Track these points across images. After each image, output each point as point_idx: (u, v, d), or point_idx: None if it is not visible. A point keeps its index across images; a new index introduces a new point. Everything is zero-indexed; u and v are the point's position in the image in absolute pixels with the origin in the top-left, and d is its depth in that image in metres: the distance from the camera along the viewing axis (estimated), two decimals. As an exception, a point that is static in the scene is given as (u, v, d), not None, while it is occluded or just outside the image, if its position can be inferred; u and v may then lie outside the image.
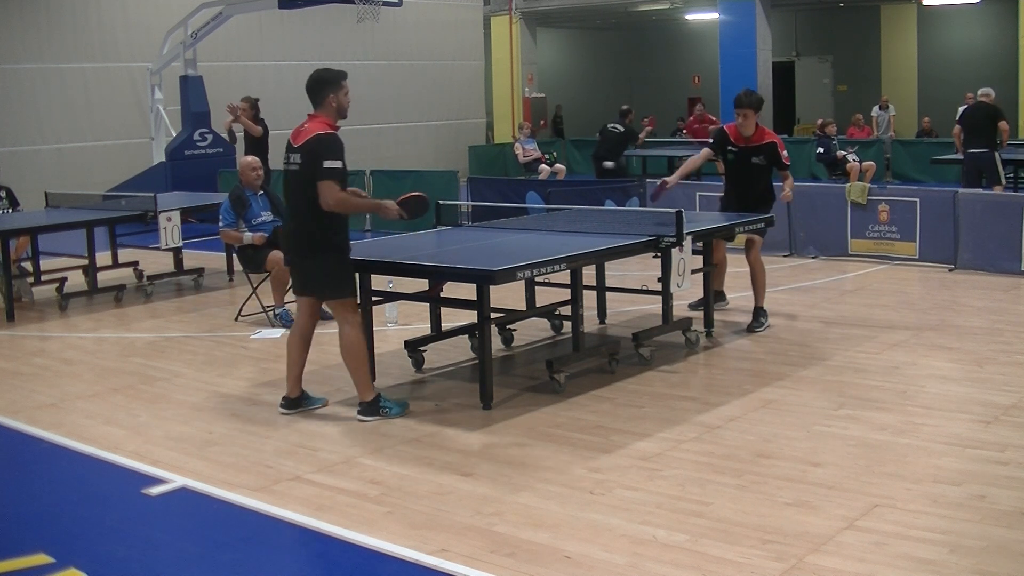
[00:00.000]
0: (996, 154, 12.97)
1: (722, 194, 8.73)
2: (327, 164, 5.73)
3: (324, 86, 5.92)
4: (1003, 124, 13.07)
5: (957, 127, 13.72)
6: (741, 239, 8.30)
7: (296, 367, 6.30)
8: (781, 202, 8.76)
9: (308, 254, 5.99)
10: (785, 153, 8.31)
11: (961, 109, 20.28)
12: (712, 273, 7.96)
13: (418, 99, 23.73)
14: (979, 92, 13.57)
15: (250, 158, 9.37)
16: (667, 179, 8.68)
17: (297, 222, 6.01)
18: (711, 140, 8.61)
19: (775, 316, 8.45)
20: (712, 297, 8.03)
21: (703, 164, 8.87)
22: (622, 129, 16.50)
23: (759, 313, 8.16)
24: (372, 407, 6.09)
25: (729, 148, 8.29)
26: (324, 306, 8.93)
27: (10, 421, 6.38)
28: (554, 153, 20.65)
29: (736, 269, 9.10)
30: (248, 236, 8.78)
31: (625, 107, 17.51)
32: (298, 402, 6.34)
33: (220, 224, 8.95)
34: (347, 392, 6.73)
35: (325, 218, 5.83)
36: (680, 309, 7.86)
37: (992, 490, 4.74)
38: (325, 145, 5.79)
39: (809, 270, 10.69)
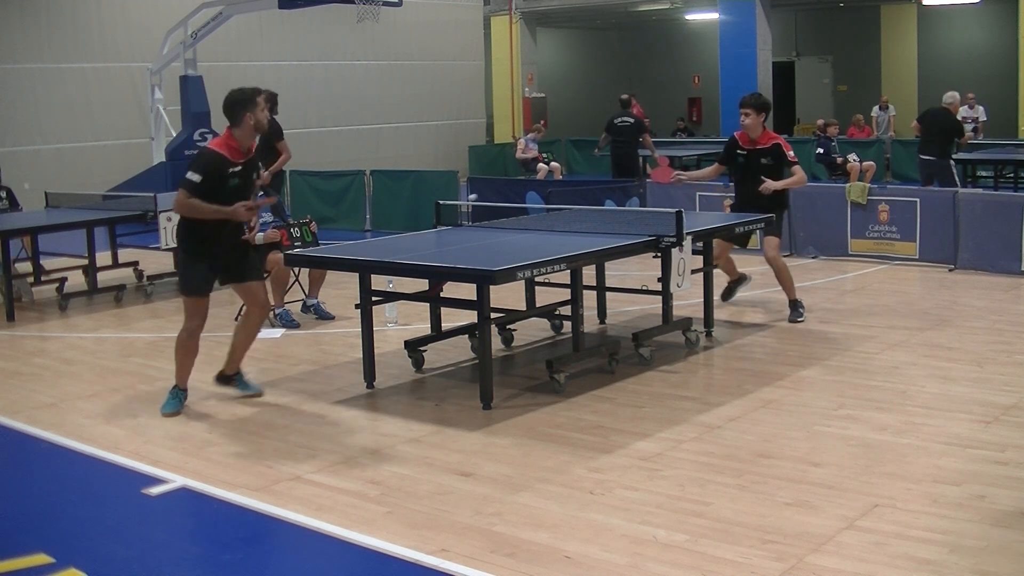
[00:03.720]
0: (950, 161, 12.97)
1: (732, 202, 8.80)
2: (188, 175, 6.23)
3: (235, 108, 6.29)
4: (963, 140, 13.26)
5: (915, 124, 13.73)
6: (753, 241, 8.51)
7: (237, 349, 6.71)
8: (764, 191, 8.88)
9: (179, 253, 6.61)
10: (792, 153, 8.43)
11: (963, 107, 20.34)
12: (712, 273, 7.95)
13: (418, 99, 23.71)
14: (944, 97, 13.33)
15: None
16: (683, 174, 9.01)
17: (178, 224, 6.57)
18: (723, 153, 8.77)
19: (775, 317, 8.45)
20: (712, 299, 8.03)
21: (714, 176, 9.09)
22: (632, 120, 15.98)
23: (795, 305, 8.37)
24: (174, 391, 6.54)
25: (738, 152, 8.50)
26: (324, 306, 8.99)
27: (10, 421, 6.37)
28: (551, 153, 20.65)
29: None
30: (259, 236, 8.74)
31: (625, 96, 16.81)
32: (230, 380, 6.71)
33: None
34: (349, 392, 6.74)
35: (185, 221, 6.38)
36: (680, 309, 7.85)
37: (992, 490, 4.74)
38: (194, 158, 6.43)
39: (809, 270, 10.68)
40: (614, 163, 16.10)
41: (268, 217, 9.03)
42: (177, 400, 6.48)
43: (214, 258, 6.38)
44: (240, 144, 6.30)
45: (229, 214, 6.27)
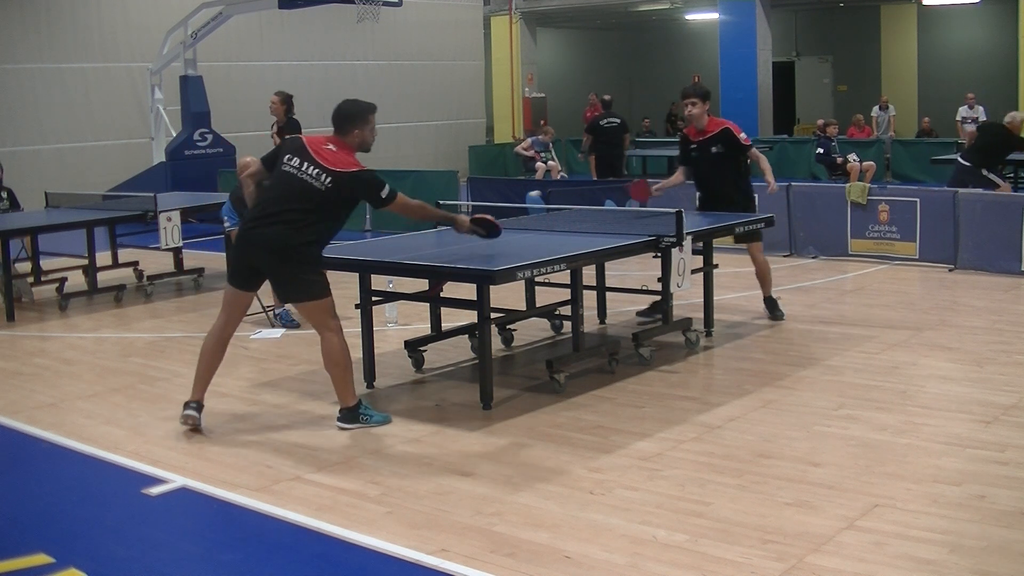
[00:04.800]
0: (982, 170, 12.31)
1: (697, 204, 8.56)
2: (384, 194, 5.91)
3: (349, 122, 5.96)
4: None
5: (973, 128, 13.26)
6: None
7: (211, 373, 6.09)
8: (769, 195, 8.81)
9: (282, 261, 5.85)
10: (743, 135, 8.20)
11: (962, 107, 20.33)
12: (712, 273, 7.95)
13: (418, 99, 23.72)
14: (1007, 117, 12.76)
15: (249, 158, 9.33)
16: (658, 186, 8.72)
17: (281, 227, 5.78)
18: (680, 154, 8.56)
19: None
20: (712, 299, 8.03)
21: (682, 181, 8.69)
22: (619, 122, 16.41)
23: (772, 304, 8.31)
24: (352, 413, 5.96)
25: (690, 148, 8.29)
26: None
27: (10, 421, 6.37)
28: (549, 152, 20.64)
29: (735, 269, 9.10)
30: None
31: (608, 97, 17.42)
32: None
33: (227, 225, 8.92)
34: (347, 392, 6.73)
35: (317, 232, 5.85)
36: (680, 309, 7.84)
37: (992, 490, 4.74)
38: (369, 184, 5.90)
39: (809, 270, 10.68)
40: (604, 163, 16.39)
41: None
42: (378, 413, 6.04)
43: None
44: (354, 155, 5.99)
45: (458, 222, 6.34)
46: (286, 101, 11.10)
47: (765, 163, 8.44)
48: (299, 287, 5.93)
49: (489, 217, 6.53)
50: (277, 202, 5.88)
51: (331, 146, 5.92)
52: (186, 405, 6.04)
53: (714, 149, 8.13)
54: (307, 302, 5.95)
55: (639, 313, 8.34)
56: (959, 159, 12.77)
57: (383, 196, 5.89)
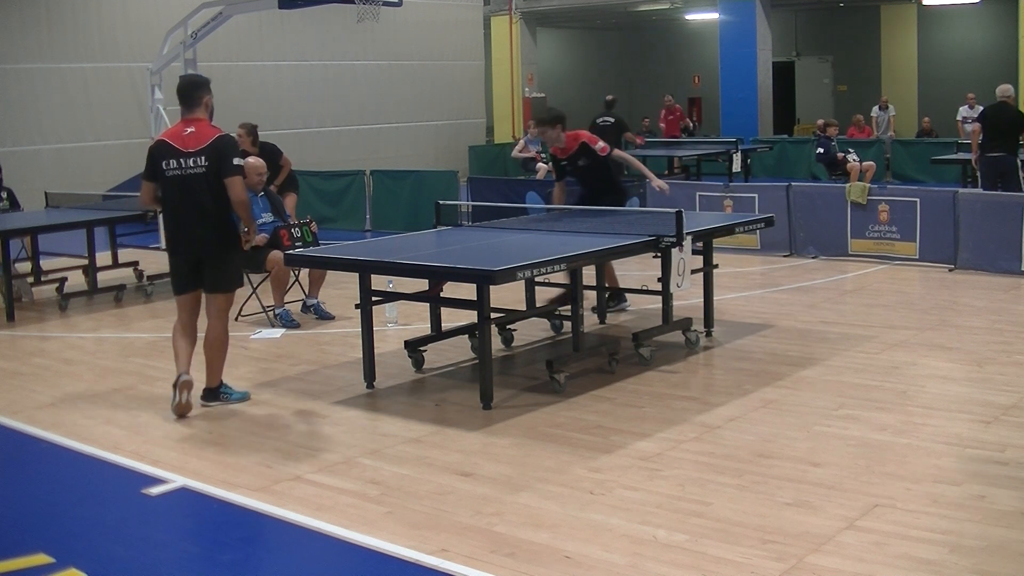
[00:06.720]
0: (1018, 159, 11.98)
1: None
2: (237, 161, 6.08)
3: (198, 88, 6.24)
4: None
5: (977, 126, 12.35)
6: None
7: (190, 349, 6.37)
8: (659, 193, 9.00)
9: (222, 252, 6.18)
10: (600, 144, 8.37)
11: (963, 107, 20.33)
12: (712, 273, 7.95)
13: (418, 99, 23.71)
14: (999, 90, 12.22)
15: (253, 159, 9.32)
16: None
17: (209, 223, 6.12)
18: (554, 171, 8.82)
19: (775, 316, 8.44)
20: (712, 299, 8.02)
21: (560, 191, 8.90)
22: (612, 120, 16.55)
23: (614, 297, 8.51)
24: (215, 393, 6.39)
25: (561, 163, 8.55)
26: (324, 306, 8.98)
27: (10, 421, 6.37)
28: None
29: (735, 269, 9.11)
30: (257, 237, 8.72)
31: (610, 97, 17.63)
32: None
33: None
34: (349, 392, 6.74)
35: (228, 215, 6.11)
36: (680, 309, 7.84)
37: (992, 490, 4.74)
38: (231, 145, 6.17)
39: (809, 270, 10.68)
40: None
41: (269, 218, 9.04)
42: (236, 392, 6.50)
43: None
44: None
45: (251, 225, 6.32)
46: (251, 133, 10.93)
47: (637, 164, 8.73)
48: (232, 276, 6.32)
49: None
50: (189, 207, 6.13)
51: (190, 129, 6.14)
52: (182, 387, 6.25)
53: (580, 163, 8.41)
54: (230, 292, 6.26)
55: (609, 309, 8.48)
56: (990, 153, 11.96)
57: (236, 163, 6.05)
